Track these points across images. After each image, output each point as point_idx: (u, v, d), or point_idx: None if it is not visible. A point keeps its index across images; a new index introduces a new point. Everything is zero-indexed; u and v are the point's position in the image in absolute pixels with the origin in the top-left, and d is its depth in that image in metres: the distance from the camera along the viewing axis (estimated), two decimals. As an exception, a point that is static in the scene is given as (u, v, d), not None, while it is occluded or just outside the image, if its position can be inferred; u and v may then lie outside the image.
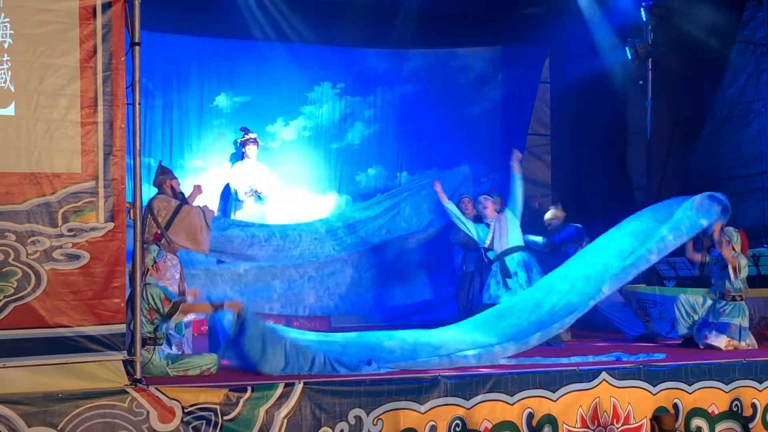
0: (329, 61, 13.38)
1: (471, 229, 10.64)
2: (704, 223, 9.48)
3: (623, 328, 10.99)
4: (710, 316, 9.69)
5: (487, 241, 10.50)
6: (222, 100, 12.90)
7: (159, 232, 8.84)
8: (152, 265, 7.70)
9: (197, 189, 9.50)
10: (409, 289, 12.49)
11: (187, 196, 9.32)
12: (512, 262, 10.36)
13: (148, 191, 11.62)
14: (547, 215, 11.83)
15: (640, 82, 12.91)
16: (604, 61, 12.88)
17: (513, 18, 13.29)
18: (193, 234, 9.08)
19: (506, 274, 10.28)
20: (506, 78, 14.14)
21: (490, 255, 10.56)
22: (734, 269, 9.56)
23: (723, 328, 9.54)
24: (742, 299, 9.66)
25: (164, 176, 9.29)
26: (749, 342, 9.54)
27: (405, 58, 13.76)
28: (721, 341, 9.46)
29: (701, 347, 9.54)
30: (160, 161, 10.02)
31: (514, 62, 14.07)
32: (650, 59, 12.82)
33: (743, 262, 9.66)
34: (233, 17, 12.21)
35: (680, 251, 10.54)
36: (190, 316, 8.32)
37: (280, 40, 12.72)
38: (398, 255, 12.48)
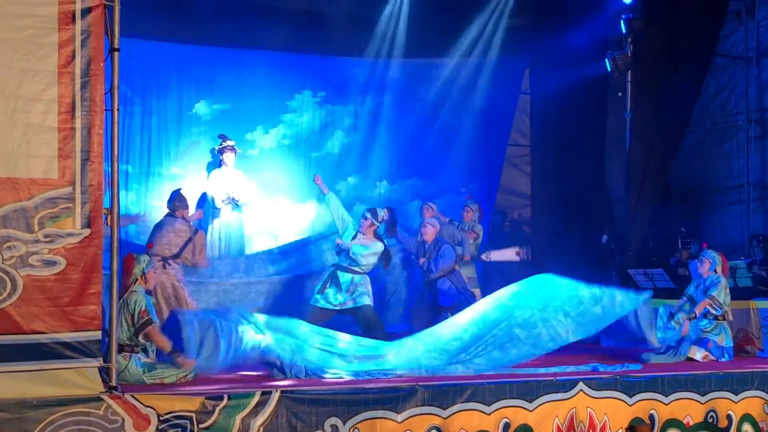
0: (310, 69, 13.36)
1: (351, 224, 10.47)
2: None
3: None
4: (692, 330, 9.73)
5: (348, 242, 10.28)
6: (201, 108, 12.85)
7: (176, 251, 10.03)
8: (141, 276, 7.73)
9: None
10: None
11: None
12: (344, 276, 10.20)
13: (126, 198, 11.67)
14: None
15: (619, 94, 12.99)
16: (584, 73, 12.93)
17: (493, 29, 13.32)
18: (197, 253, 10.27)
19: (337, 283, 10.21)
20: (486, 88, 14.14)
21: (340, 260, 10.36)
22: (713, 308, 9.63)
23: (702, 344, 9.59)
24: (724, 319, 9.70)
25: (180, 204, 10.28)
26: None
27: (386, 68, 13.75)
28: (698, 354, 9.52)
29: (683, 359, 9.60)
30: (180, 189, 10.60)
31: (494, 73, 14.10)
32: (629, 71, 12.90)
33: (723, 282, 9.72)
34: (214, 24, 12.17)
35: (660, 263, 10.63)
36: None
37: (260, 48, 12.71)
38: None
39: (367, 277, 10.22)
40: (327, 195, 10.66)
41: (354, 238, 10.27)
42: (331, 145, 13.59)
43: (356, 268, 10.11)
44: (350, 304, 10.08)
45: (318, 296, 10.15)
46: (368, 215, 10.31)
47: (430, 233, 11.10)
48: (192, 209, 10.97)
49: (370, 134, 13.77)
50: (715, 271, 9.76)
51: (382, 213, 10.44)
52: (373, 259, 10.21)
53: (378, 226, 10.35)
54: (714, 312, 9.63)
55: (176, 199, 10.33)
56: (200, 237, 10.32)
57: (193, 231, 10.26)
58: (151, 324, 7.56)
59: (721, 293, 9.67)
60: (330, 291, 10.09)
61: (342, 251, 10.22)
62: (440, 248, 11.02)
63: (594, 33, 12.79)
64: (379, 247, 10.22)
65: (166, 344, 7.68)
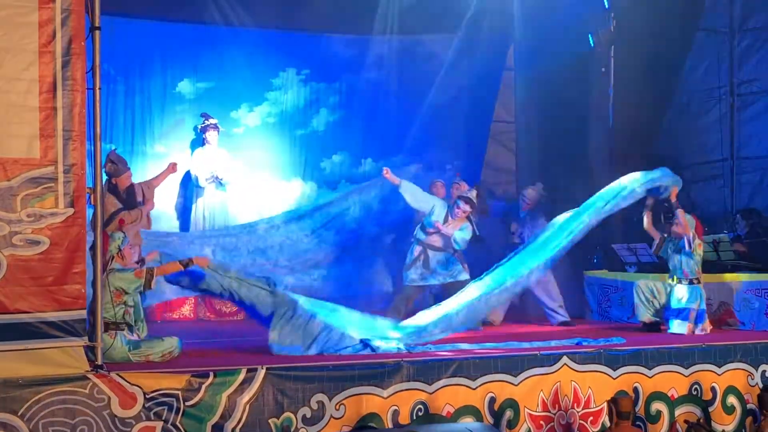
0: (294, 47, 13.30)
1: (436, 205, 10.58)
2: (639, 189, 9.88)
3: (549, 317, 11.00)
4: (671, 302, 9.81)
5: (448, 228, 10.39)
6: (185, 86, 12.80)
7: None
8: (117, 252, 7.70)
9: (171, 167, 9.97)
10: (372, 279, 12.42)
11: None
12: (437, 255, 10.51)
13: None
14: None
15: (602, 69, 12.97)
16: (568, 49, 12.92)
17: (478, 5, 13.29)
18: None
19: (427, 264, 10.44)
20: (471, 65, 14.12)
21: (426, 237, 10.52)
22: (688, 242, 9.71)
23: (685, 315, 9.67)
24: (699, 282, 9.79)
25: (113, 167, 9.00)
26: (704, 326, 9.70)
27: (370, 45, 13.70)
28: (685, 328, 9.59)
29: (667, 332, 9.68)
30: (114, 149, 9.99)
31: (479, 49, 14.07)
32: (612, 47, 12.89)
33: (696, 241, 9.80)
34: (197, 2, 12.13)
35: (642, 237, 10.68)
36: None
37: (244, 26, 12.64)
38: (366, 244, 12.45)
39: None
40: (399, 185, 10.63)
41: (445, 221, 10.42)
42: (316, 122, 13.57)
43: (447, 249, 10.40)
44: (448, 279, 10.36)
45: (414, 276, 10.40)
46: (464, 206, 10.37)
47: (530, 204, 11.24)
48: (176, 189, 10.91)
49: (355, 112, 13.73)
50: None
51: (473, 196, 10.53)
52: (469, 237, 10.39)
53: (470, 212, 10.46)
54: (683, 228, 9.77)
55: (106, 162, 8.92)
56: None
57: (112, 211, 8.82)
58: (153, 269, 7.60)
59: (694, 243, 9.80)
60: (422, 270, 10.37)
61: (433, 232, 10.37)
62: (537, 219, 11.11)
63: (577, 8, 12.76)
64: (470, 228, 10.43)
65: (177, 264, 7.78)
